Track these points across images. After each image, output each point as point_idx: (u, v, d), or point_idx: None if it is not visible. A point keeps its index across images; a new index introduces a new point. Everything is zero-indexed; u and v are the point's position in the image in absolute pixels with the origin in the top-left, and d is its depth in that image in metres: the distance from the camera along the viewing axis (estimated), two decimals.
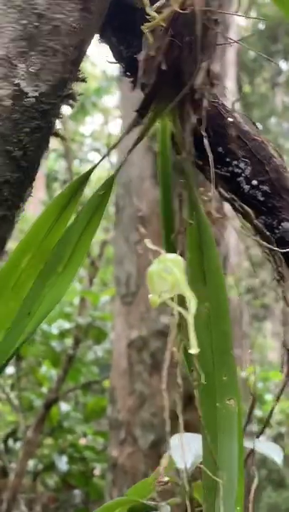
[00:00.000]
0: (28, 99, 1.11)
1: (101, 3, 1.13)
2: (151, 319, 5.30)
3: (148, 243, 0.90)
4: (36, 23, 1.10)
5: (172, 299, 0.87)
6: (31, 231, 1.23)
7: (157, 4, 1.07)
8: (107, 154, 1.39)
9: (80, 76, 1.19)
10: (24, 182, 1.15)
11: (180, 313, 0.95)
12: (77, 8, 1.11)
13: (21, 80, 1.10)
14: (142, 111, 1.15)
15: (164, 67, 1.08)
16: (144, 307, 5.32)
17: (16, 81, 1.10)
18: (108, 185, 1.22)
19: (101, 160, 1.31)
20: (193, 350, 0.80)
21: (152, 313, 5.24)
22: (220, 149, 1.30)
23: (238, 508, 1.18)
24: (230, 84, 6.03)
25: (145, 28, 1.06)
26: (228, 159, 1.31)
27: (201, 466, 1.24)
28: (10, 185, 1.12)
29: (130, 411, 5.30)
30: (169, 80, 1.12)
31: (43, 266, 1.21)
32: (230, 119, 1.29)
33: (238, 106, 1.33)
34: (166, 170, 1.27)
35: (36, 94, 1.11)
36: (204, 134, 1.20)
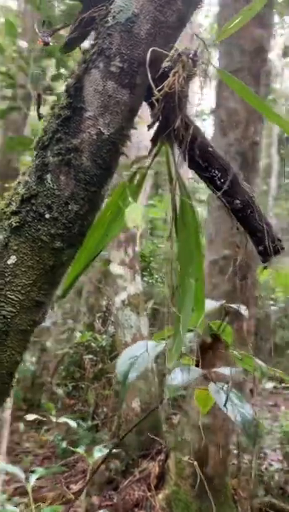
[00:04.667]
0: (104, 136, 1.02)
1: (141, 89, 1.02)
2: None
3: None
4: (108, 99, 1.00)
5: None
6: (111, 199, 1.14)
7: (159, 88, 0.95)
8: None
9: (134, 126, 1.08)
10: (105, 175, 1.05)
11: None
12: (127, 92, 1.00)
13: (101, 126, 1.01)
14: (153, 141, 1.04)
15: (160, 118, 0.97)
16: None
17: (98, 127, 1.01)
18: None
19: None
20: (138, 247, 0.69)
21: None
22: (206, 164, 1.17)
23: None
24: None
25: (153, 99, 0.95)
26: (209, 168, 1.17)
27: None
28: (97, 177, 1.04)
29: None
30: (164, 124, 1.00)
31: (113, 215, 1.13)
32: (210, 149, 1.16)
33: None
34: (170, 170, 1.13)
35: (108, 133, 1.02)
36: (185, 154, 1.06)
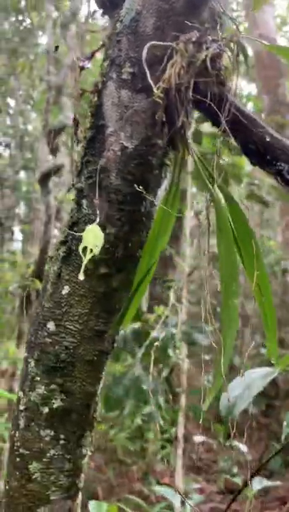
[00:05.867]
0: (128, 150, 0.93)
1: None
2: None
3: None
4: (124, 110, 0.92)
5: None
6: (156, 216, 1.03)
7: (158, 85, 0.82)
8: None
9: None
10: (141, 192, 0.96)
11: None
12: (144, 97, 0.89)
13: (123, 140, 0.93)
14: (173, 146, 0.90)
15: (164, 119, 0.83)
16: None
17: (121, 142, 0.93)
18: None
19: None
20: (81, 276, 0.60)
21: None
22: (268, 157, 0.97)
23: None
24: None
25: (155, 98, 0.82)
26: (274, 162, 0.97)
27: None
28: (131, 195, 0.95)
29: None
30: (172, 125, 0.86)
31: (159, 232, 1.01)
32: (268, 139, 0.96)
33: None
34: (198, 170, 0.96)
35: (132, 146, 0.93)
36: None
